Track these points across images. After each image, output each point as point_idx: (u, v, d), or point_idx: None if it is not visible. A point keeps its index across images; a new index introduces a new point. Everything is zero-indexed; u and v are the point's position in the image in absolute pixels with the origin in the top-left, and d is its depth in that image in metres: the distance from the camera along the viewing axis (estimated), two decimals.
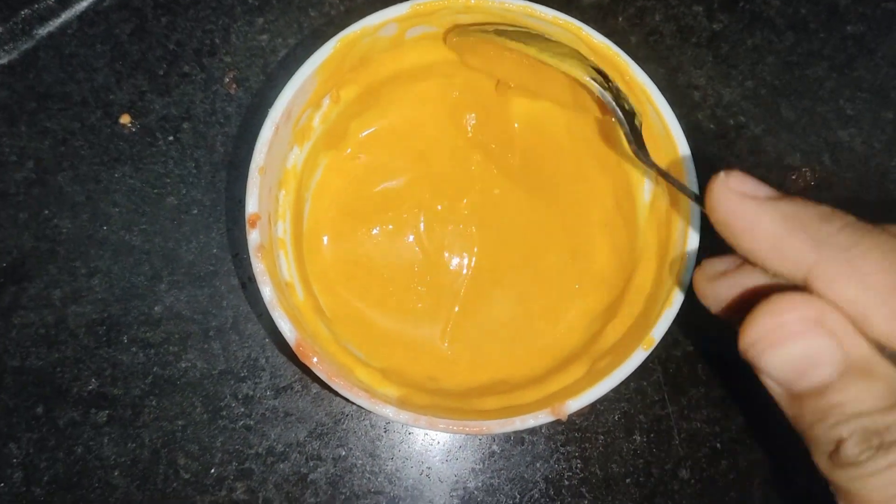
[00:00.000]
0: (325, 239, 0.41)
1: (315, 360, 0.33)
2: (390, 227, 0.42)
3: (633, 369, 0.33)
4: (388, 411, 0.32)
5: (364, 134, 0.43)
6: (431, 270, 0.42)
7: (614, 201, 0.41)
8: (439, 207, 0.42)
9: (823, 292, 0.23)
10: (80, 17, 0.46)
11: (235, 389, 0.42)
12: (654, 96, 0.37)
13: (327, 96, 0.40)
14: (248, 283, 0.44)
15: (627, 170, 0.40)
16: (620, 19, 0.49)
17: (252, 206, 0.34)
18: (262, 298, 0.33)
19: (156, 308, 0.43)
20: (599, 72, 0.36)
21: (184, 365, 0.42)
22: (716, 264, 0.28)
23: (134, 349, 0.42)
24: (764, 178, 0.46)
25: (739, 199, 0.25)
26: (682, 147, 0.36)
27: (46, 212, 0.44)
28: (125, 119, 0.45)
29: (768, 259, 0.24)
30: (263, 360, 0.43)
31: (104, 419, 0.41)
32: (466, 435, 0.42)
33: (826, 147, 0.48)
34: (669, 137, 0.36)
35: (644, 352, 0.33)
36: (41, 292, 0.43)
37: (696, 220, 0.35)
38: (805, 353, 0.23)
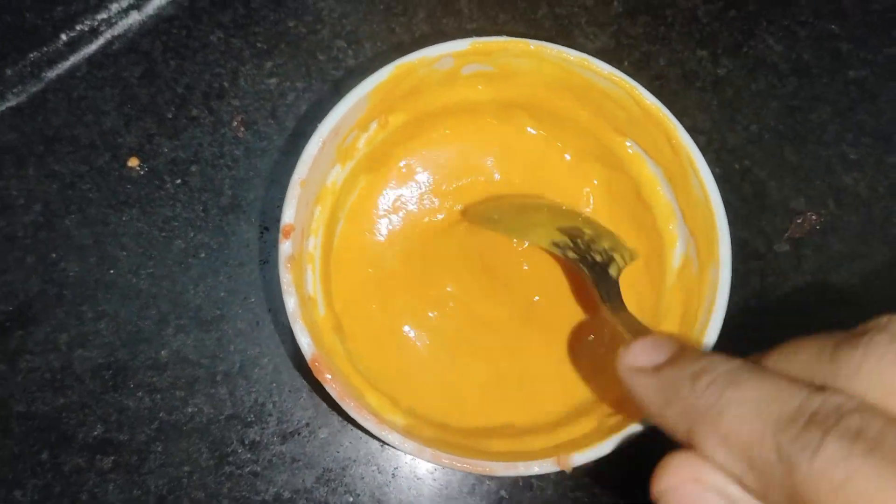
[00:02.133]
0: (354, 261, 0.42)
1: (329, 377, 0.33)
2: (412, 260, 0.42)
3: (640, 430, 0.33)
4: (394, 438, 0.32)
5: (407, 162, 0.43)
6: (452, 311, 0.42)
7: (644, 261, 0.42)
8: (463, 246, 0.43)
9: (703, 457, 0.23)
10: (90, 60, 0.47)
11: (242, 435, 0.42)
12: (698, 163, 0.38)
13: (375, 120, 0.40)
14: (259, 324, 0.43)
15: (661, 231, 0.41)
16: (626, 63, 0.50)
17: (288, 216, 0.35)
18: (284, 313, 0.34)
19: (162, 352, 0.43)
20: (570, 230, 0.38)
21: (190, 410, 0.42)
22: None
23: (140, 394, 0.42)
24: (769, 223, 0.47)
25: (631, 375, 0.27)
26: (721, 219, 0.37)
27: (54, 255, 0.44)
28: (133, 162, 0.45)
29: (665, 429, 0.25)
30: (270, 405, 0.43)
31: (109, 465, 0.41)
32: (472, 475, 0.42)
33: (830, 191, 0.48)
34: (709, 208, 0.37)
35: None
36: (48, 336, 0.43)
37: (725, 291, 0.35)
38: None
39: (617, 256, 0.38)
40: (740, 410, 0.22)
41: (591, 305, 0.42)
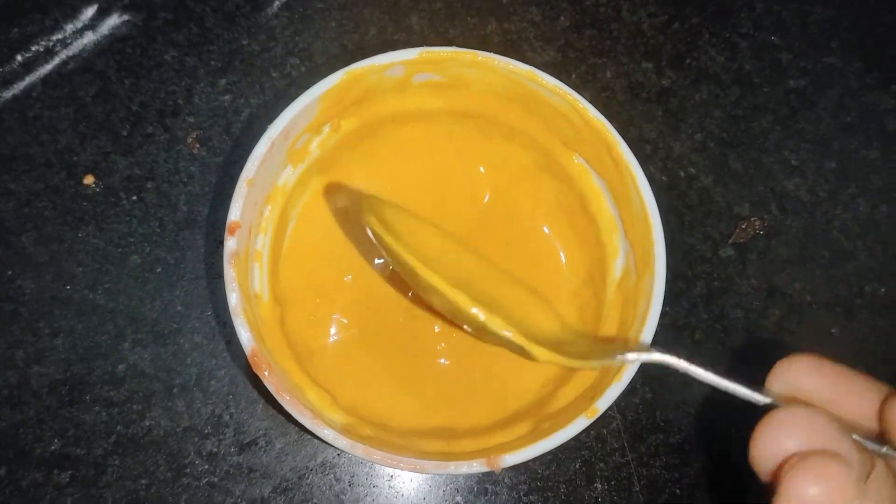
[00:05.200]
0: (304, 260, 0.42)
1: (266, 372, 0.33)
2: (361, 261, 0.43)
3: (572, 435, 0.33)
4: (328, 434, 0.33)
5: (359, 166, 0.44)
6: (394, 313, 0.43)
7: (588, 274, 0.43)
8: None
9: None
10: (44, 80, 0.47)
11: (199, 446, 0.42)
12: (638, 177, 0.38)
13: (328, 124, 0.41)
14: (215, 337, 0.44)
15: (605, 244, 0.42)
16: (573, 76, 0.51)
17: (234, 214, 0.35)
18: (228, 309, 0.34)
19: (119, 367, 0.43)
20: None
21: (147, 423, 0.42)
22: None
23: (97, 408, 0.42)
24: (714, 228, 0.48)
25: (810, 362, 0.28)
26: (657, 232, 0.38)
27: (10, 272, 0.44)
28: (89, 179, 0.46)
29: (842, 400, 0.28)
30: (227, 417, 0.43)
31: (67, 480, 0.41)
32: (427, 482, 0.43)
33: (773, 197, 0.49)
34: (646, 221, 0.38)
35: (586, 420, 0.34)
36: (4, 353, 0.43)
37: (658, 303, 0.36)
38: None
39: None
40: None
41: None
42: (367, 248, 0.43)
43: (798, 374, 0.28)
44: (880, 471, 0.25)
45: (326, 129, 0.41)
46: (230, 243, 0.35)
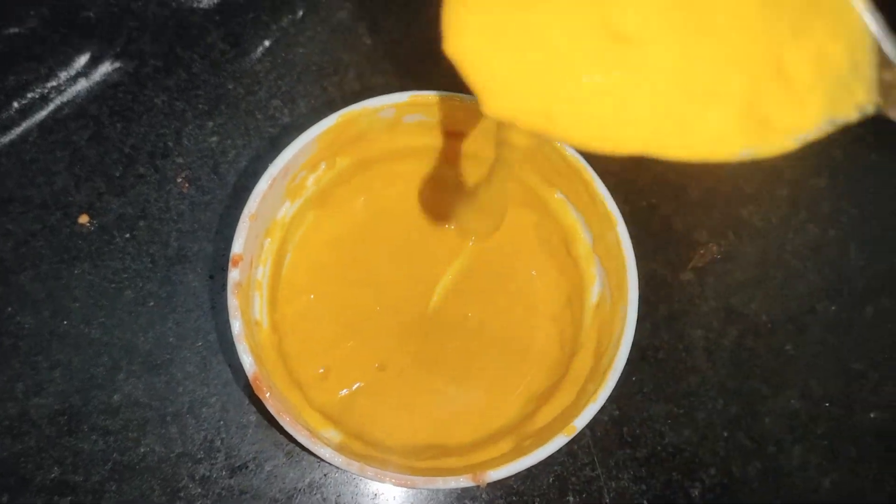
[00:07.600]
0: (300, 289, 0.45)
1: (268, 395, 0.36)
2: (354, 289, 0.46)
3: (552, 452, 0.36)
4: (326, 452, 0.35)
5: (353, 200, 0.47)
6: (387, 334, 0.45)
7: (567, 298, 0.46)
8: (400, 278, 0.47)
9: None
10: (40, 125, 0.50)
11: (192, 471, 0.45)
12: (614, 213, 0.42)
13: (324, 162, 0.44)
14: (206, 366, 0.46)
15: (582, 273, 0.45)
16: None
17: (237, 247, 0.38)
18: (231, 336, 0.37)
19: (115, 397, 0.45)
20: None
21: (142, 450, 0.45)
22: None
23: (94, 437, 0.45)
24: (675, 253, 0.51)
25: None
26: (630, 264, 0.41)
27: (9, 309, 0.46)
28: (84, 219, 0.48)
29: None
30: (219, 442, 0.45)
31: None
32: (410, 498, 0.45)
33: (729, 224, 0.53)
34: (621, 254, 0.41)
35: (565, 437, 0.37)
36: (4, 386, 0.45)
37: (631, 328, 0.39)
38: None
39: None
40: None
41: (526, 336, 0.46)
42: (361, 273, 0.46)
43: None
44: None
45: (323, 166, 0.44)
46: (233, 274, 0.38)
